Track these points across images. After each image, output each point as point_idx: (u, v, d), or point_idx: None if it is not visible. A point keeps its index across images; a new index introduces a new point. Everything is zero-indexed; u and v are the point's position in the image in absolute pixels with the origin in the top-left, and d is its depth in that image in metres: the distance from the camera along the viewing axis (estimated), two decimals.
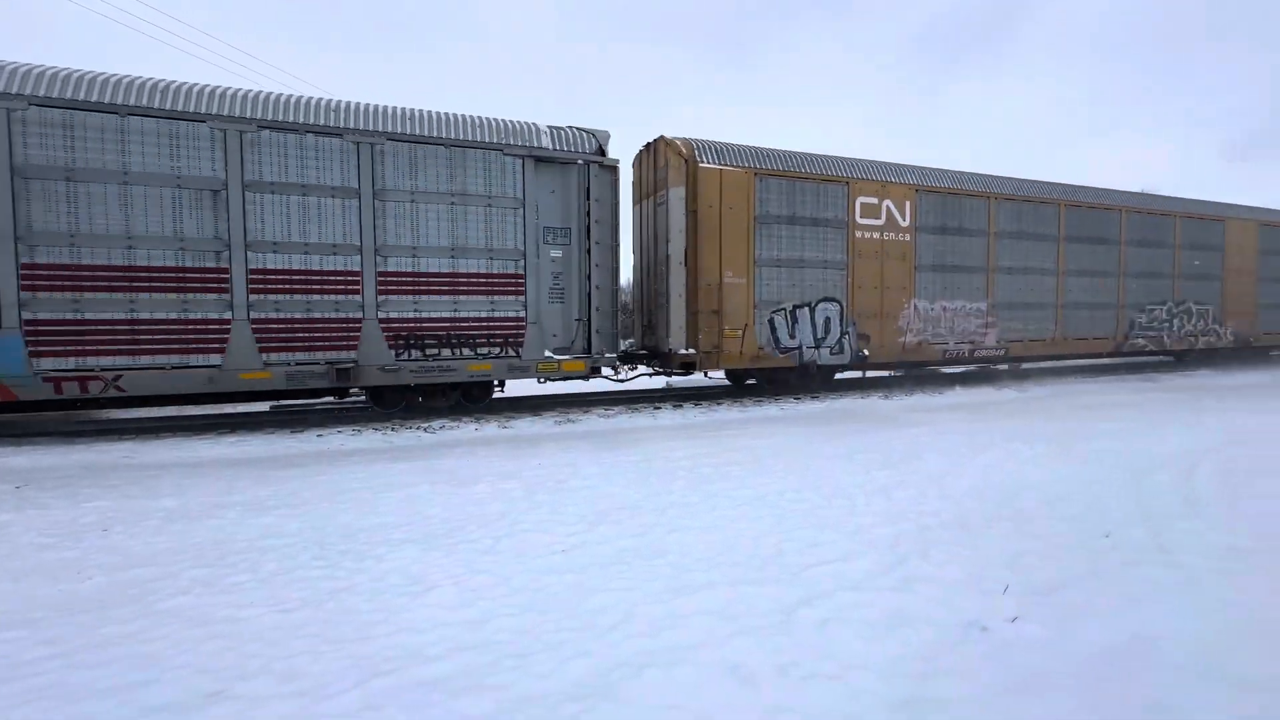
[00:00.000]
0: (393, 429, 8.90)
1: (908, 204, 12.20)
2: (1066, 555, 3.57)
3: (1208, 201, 16.73)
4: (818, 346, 11.46)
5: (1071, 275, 14.23)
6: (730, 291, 10.66)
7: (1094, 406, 10.10)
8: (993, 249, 13.28)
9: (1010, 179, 13.96)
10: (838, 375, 12.94)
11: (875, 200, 11.87)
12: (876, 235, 11.91)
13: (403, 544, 3.93)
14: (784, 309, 11.11)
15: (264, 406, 10.62)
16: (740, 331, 10.75)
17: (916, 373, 14.35)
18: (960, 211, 12.86)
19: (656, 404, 11.15)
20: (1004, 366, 15.36)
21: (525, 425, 9.16)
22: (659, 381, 13.78)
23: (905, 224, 12.17)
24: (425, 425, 9.13)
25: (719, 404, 11.21)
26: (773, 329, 11.07)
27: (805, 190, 11.24)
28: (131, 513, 4.69)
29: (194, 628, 2.82)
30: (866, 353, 11.83)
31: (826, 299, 11.53)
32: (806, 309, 11.33)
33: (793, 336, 11.23)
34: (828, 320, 11.53)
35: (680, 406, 10.90)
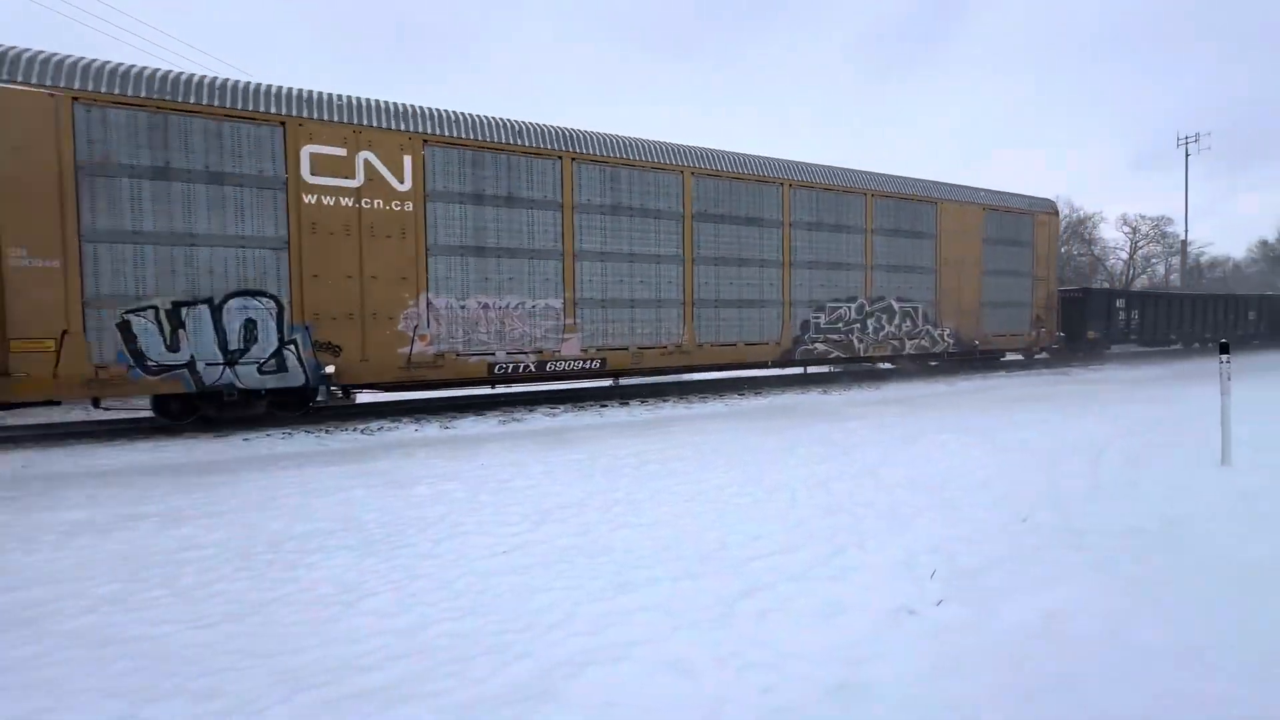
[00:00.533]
0: (327, 431, 8.53)
1: (408, 160, 8.74)
2: (988, 540, 3.78)
3: (916, 179, 13.87)
4: (232, 363, 7.95)
5: (705, 264, 11.02)
6: (25, 281, 6.93)
7: (1014, 400, 10.75)
8: (571, 226, 9.87)
9: (606, 136, 10.26)
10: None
11: (342, 152, 8.37)
12: (349, 202, 8.43)
13: (337, 551, 3.77)
14: (154, 307, 7.54)
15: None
16: (54, 343, 7.07)
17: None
18: (512, 176, 9.43)
19: (603, 402, 11.13)
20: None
21: (469, 425, 8.96)
22: (608, 380, 13.76)
23: (404, 188, 8.74)
24: (363, 427, 8.80)
25: (665, 401, 11.30)
26: (129, 338, 7.42)
27: (193, 129, 7.63)
28: (29, 527, 4.31)
29: (100, 648, 2.62)
30: (331, 370, 8.45)
31: (247, 292, 7.98)
32: (204, 307, 7.79)
33: (175, 349, 7.64)
34: (250, 324, 8.01)
35: (627, 404, 10.92)
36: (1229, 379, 5.75)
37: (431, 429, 8.74)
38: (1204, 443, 6.08)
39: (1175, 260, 43.40)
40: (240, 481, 5.62)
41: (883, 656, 2.47)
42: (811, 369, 15.60)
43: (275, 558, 3.66)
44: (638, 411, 10.15)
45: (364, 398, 11.19)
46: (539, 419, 9.46)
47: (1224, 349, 5.93)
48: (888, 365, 15.39)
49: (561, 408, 10.44)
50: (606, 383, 13.53)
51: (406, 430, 8.64)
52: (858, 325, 13.00)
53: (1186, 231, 39.97)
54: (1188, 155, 36.62)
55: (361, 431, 8.51)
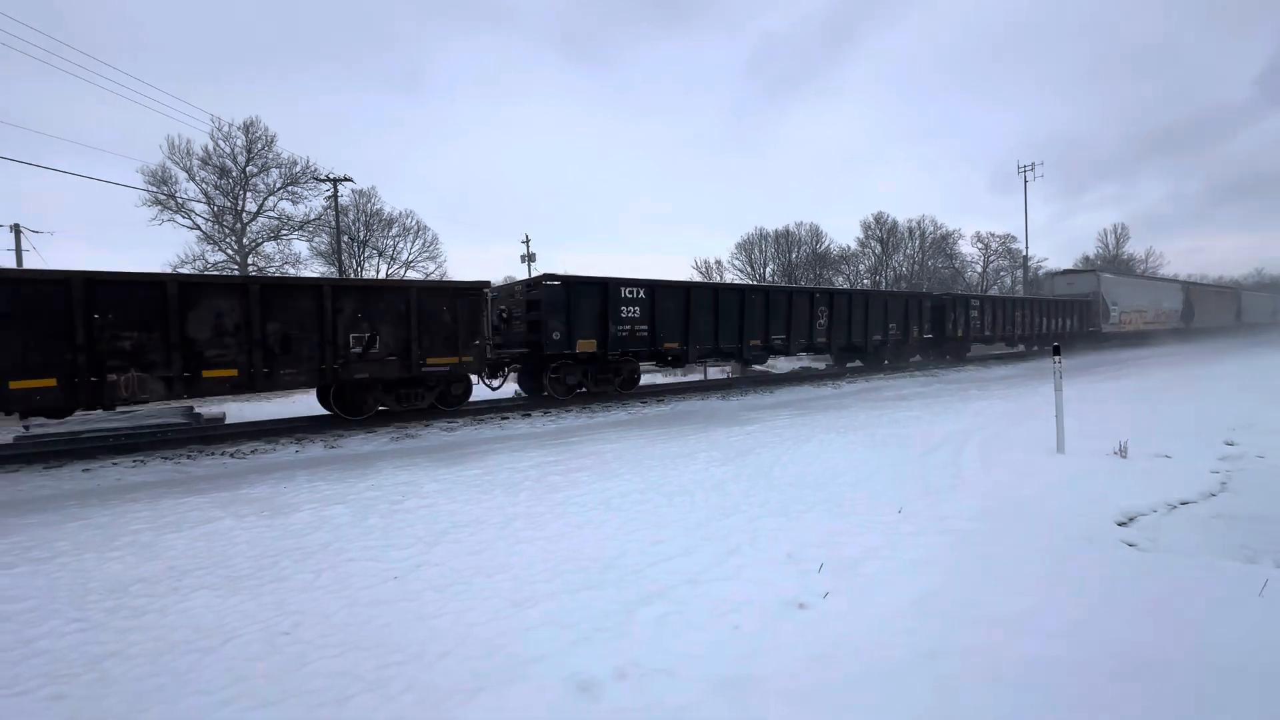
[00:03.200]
0: (189, 456, 7.65)
1: None
2: (869, 530, 4.06)
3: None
4: None
5: None
6: None
7: (892, 399, 11.69)
8: None
9: None
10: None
11: None
12: None
13: (194, 591, 3.37)
14: None
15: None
16: None
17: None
18: None
19: (504, 415, 10.84)
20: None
21: (357, 444, 8.39)
22: (508, 390, 13.42)
23: None
24: (233, 450, 7.97)
25: (568, 411, 11.20)
26: None
27: None
28: None
29: None
30: None
31: None
32: None
33: None
34: None
35: (529, 415, 10.71)
36: (1061, 376, 6.59)
37: (315, 449, 8.09)
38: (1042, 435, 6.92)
39: (1020, 272, 49.32)
40: (75, 519, 4.89)
41: (772, 650, 2.57)
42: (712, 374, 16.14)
43: (116, 605, 3.21)
44: (540, 422, 9.98)
45: (233, 417, 10.15)
46: (435, 434, 9.04)
47: (1056, 351, 6.80)
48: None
49: (459, 421, 10.05)
50: (509, 394, 13.20)
51: (286, 452, 7.94)
52: None
53: (1027, 247, 45.73)
54: (1026, 181, 41.84)
55: (231, 455, 7.71)
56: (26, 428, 8.62)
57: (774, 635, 2.70)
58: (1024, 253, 46.16)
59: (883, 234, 50.10)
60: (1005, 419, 8.52)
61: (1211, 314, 38.50)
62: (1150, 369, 16.71)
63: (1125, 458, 5.83)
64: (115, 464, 7.26)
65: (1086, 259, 62.68)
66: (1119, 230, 65.67)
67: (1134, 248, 66.85)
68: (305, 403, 14.06)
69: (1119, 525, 4.16)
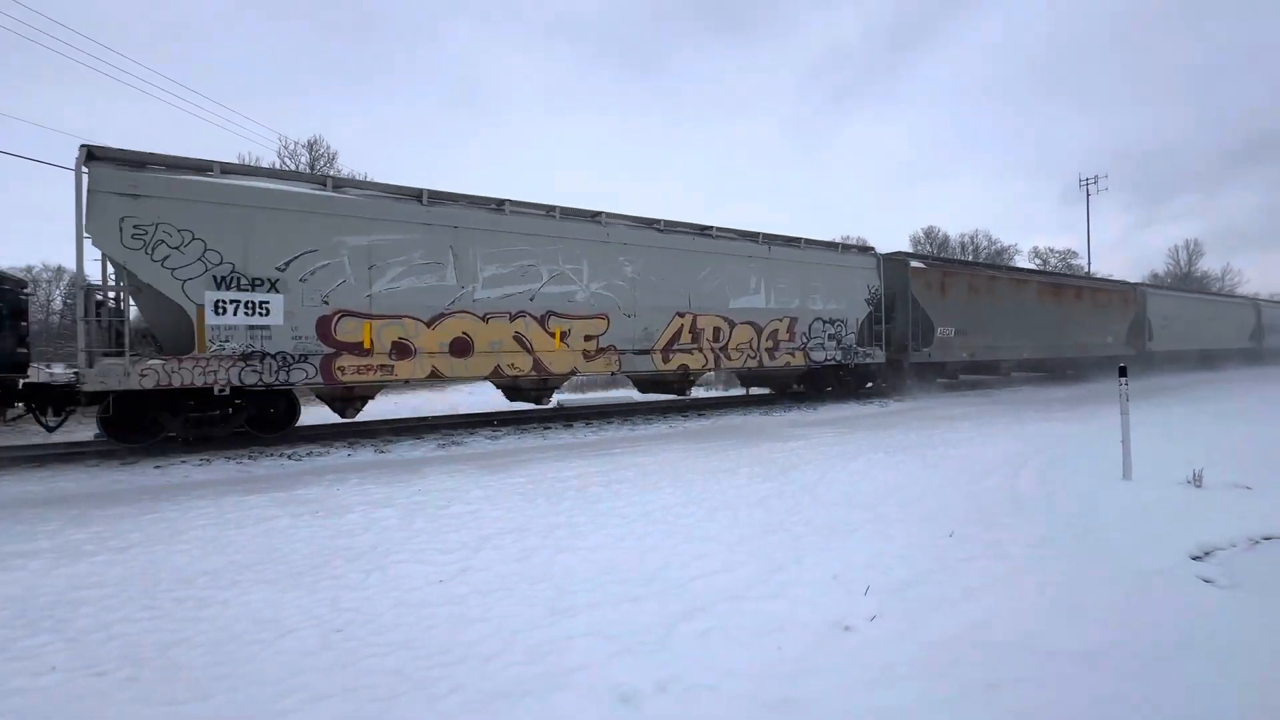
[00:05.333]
0: (250, 457, 8.03)
1: None
2: (918, 553, 3.92)
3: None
4: None
5: None
6: None
7: (942, 418, 11.30)
8: None
9: None
10: None
11: None
12: None
13: (254, 586, 3.52)
14: None
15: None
16: None
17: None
18: None
19: (547, 425, 10.98)
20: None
21: (405, 449, 8.64)
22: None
23: None
24: (290, 452, 8.33)
25: (610, 422, 11.26)
26: None
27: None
28: None
29: None
30: None
31: None
32: None
33: None
34: None
35: (571, 426, 10.81)
36: (1128, 399, 6.25)
37: (366, 453, 8.37)
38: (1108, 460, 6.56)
39: None
40: (147, 512, 5.19)
41: (818, 672, 2.51)
42: (753, 390, 15.99)
43: (184, 595, 3.38)
44: (582, 433, 10.06)
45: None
46: (480, 442, 9.23)
47: (1122, 372, 6.46)
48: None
49: (504, 430, 10.23)
50: (551, 405, 13.37)
51: (338, 455, 8.24)
52: None
53: (1089, 263, 43.62)
54: (1089, 195, 40.10)
55: (289, 457, 8.05)
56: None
57: (820, 657, 2.63)
58: (1086, 269, 44.09)
59: (933, 249, 48.75)
60: (1065, 442, 8.12)
61: None
62: (1213, 394, 15.65)
63: (1200, 487, 5.47)
64: (184, 462, 7.68)
65: (1155, 275, 59.43)
66: (1191, 246, 62.11)
67: (1209, 264, 63.05)
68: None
69: (1193, 559, 3.89)
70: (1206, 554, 4.00)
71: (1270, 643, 2.72)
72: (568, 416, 12.01)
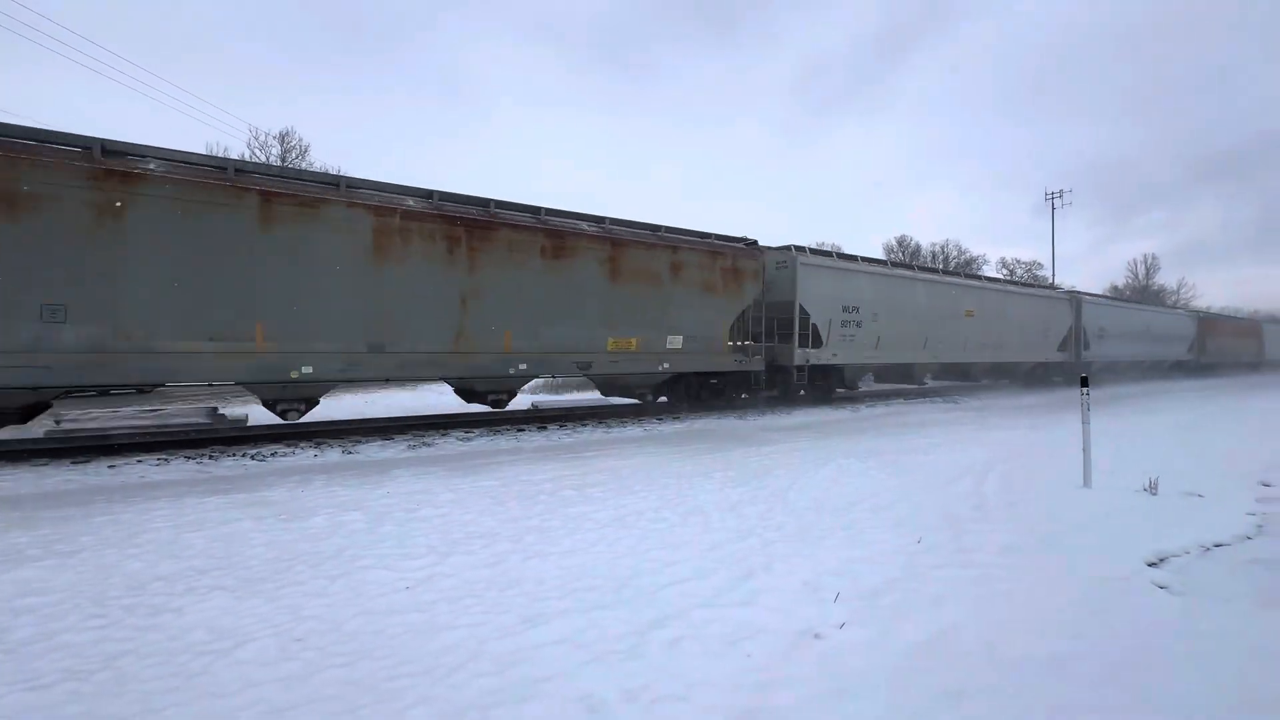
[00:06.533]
0: (211, 456, 7.77)
1: None
2: (888, 560, 3.97)
3: None
4: None
5: None
6: None
7: (914, 425, 11.50)
8: None
9: None
10: None
11: None
12: None
13: (211, 592, 3.40)
14: None
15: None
16: None
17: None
18: None
19: (520, 427, 10.87)
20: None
21: (374, 450, 8.46)
22: (524, 401, 13.46)
23: None
24: (254, 452, 8.09)
25: (584, 425, 11.19)
26: None
27: None
28: None
29: None
30: None
31: None
32: None
33: None
34: None
35: (544, 429, 10.72)
36: (1089, 409, 6.43)
37: (333, 454, 8.17)
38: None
39: None
40: (99, 514, 4.98)
41: (788, 681, 2.51)
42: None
43: (135, 602, 3.25)
44: (555, 436, 9.98)
45: (256, 419, 10.34)
46: (451, 444, 9.08)
47: (1083, 382, 6.64)
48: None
49: (476, 432, 10.10)
50: (525, 406, 13.24)
51: (304, 455, 8.03)
52: None
53: (1054, 274, 44.97)
54: (1054, 208, 41.38)
55: (252, 457, 7.82)
56: (58, 422, 8.83)
57: (789, 666, 2.63)
58: (1050, 280, 45.45)
59: (905, 257, 49.75)
60: (1029, 450, 8.32)
61: (1228, 349, 35.16)
62: (1168, 405, 16.26)
63: (1155, 495, 5.65)
64: (140, 461, 7.40)
65: (1114, 288, 61.56)
66: (1149, 260, 64.61)
67: (1166, 278, 65.58)
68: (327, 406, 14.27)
69: (1149, 566, 4.02)
70: (1162, 561, 4.13)
71: (1222, 649, 2.81)
72: (542, 418, 11.91)
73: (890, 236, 56.01)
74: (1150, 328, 28.63)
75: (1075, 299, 23.85)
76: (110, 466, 7.10)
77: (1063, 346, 23.02)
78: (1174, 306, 41.91)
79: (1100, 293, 33.98)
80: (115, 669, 2.57)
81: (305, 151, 31.78)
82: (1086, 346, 23.69)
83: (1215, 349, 34.07)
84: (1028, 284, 29.33)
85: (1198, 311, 37.79)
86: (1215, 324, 35.79)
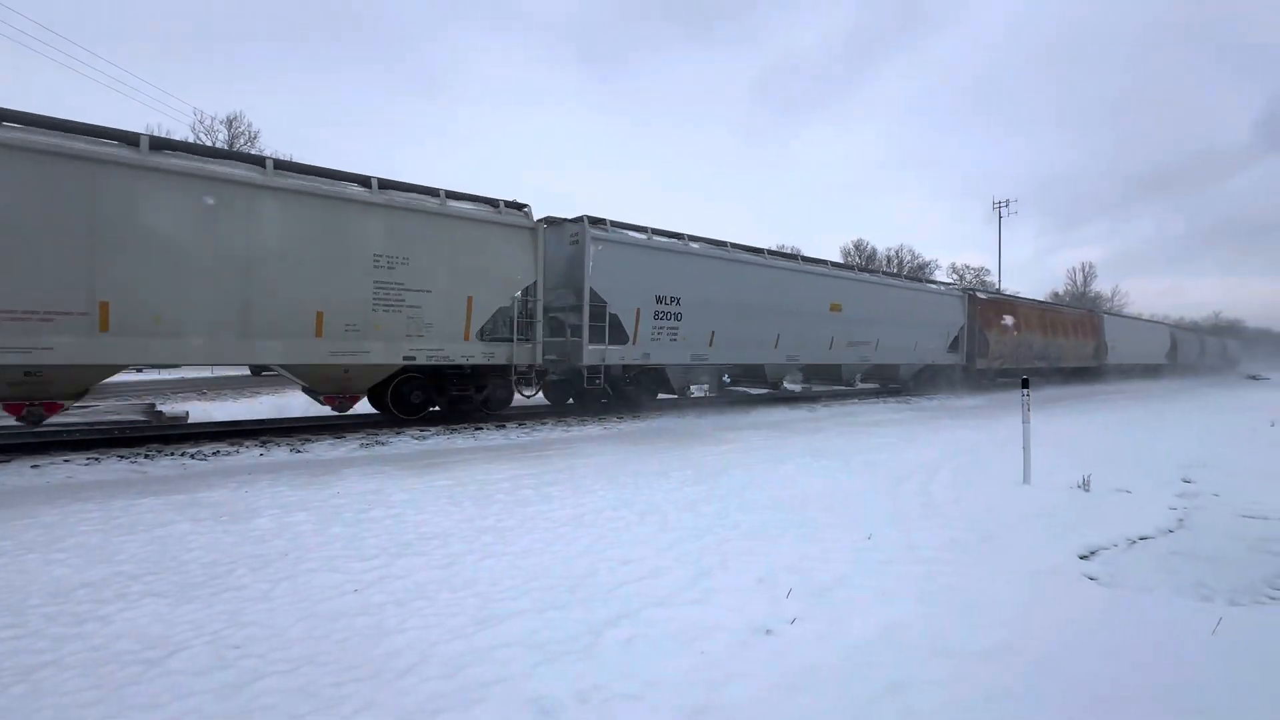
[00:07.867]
0: (146, 455, 7.38)
1: None
2: (839, 556, 4.06)
3: None
4: None
5: None
6: None
7: (867, 424, 11.82)
8: None
9: None
10: None
11: None
12: None
13: (143, 598, 3.22)
14: None
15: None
16: None
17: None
18: None
19: (478, 425, 10.70)
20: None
21: (324, 449, 8.19)
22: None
23: None
24: (194, 451, 7.72)
25: (543, 424, 11.09)
26: None
27: None
28: None
29: None
30: None
31: None
32: None
33: None
34: None
35: (503, 427, 10.58)
36: (1029, 409, 6.73)
37: (280, 453, 7.88)
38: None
39: None
40: (19, 518, 4.66)
41: (740, 677, 2.54)
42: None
43: (57, 611, 3.05)
44: (514, 434, 9.87)
45: (196, 416, 9.87)
46: (406, 442, 8.87)
47: (1025, 384, 6.95)
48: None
49: (432, 430, 9.88)
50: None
51: (249, 455, 7.71)
52: None
53: (1000, 280, 46.91)
54: (1000, 217, 43.22)
55: (192, 456, 7.46)
56: None
57: (741, 662, 2.67)
58: (997, 286, 47.44)
59: (861, 260, 51.11)
60: (975, 449, 8.66)
61: (1134, 350, 31.37)
62: (1103, 406, 17.19)
63: (1089, 491, 5.96)
64: (68, 461, 6.97)
65: (1055, 294, 64.65)
66: (1086, 268, 68.16)
67: (1101, 285, 69.27)
68: (270, 403, 13.74)
69: (1081, 559, 4.23)
70: (1093, 553, 4.35)
71: (1146, 634, 2.98)
72: (501, 417, 11.75)
73: (848, 240, 57.46)
74: (1056, 329, 24.40)
75: (974, 299, 21.16)
76: (34, 466, 6.66)
77: (954, 347, 20.49)
78: (1079, 308, 34.10)
79: (977, 288, 26.85)
80: (32, 682, 2.41)
81: (255, 137, 30.55)
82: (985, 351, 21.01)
83: (1117, 355, 28.22)
84: (911, 278, 26.08)
85: (1103, 313, 31.54)
86: (1123, 325, 29.06)
